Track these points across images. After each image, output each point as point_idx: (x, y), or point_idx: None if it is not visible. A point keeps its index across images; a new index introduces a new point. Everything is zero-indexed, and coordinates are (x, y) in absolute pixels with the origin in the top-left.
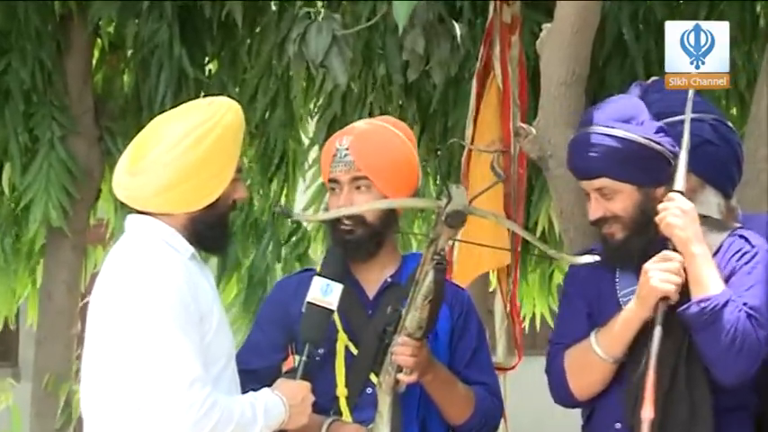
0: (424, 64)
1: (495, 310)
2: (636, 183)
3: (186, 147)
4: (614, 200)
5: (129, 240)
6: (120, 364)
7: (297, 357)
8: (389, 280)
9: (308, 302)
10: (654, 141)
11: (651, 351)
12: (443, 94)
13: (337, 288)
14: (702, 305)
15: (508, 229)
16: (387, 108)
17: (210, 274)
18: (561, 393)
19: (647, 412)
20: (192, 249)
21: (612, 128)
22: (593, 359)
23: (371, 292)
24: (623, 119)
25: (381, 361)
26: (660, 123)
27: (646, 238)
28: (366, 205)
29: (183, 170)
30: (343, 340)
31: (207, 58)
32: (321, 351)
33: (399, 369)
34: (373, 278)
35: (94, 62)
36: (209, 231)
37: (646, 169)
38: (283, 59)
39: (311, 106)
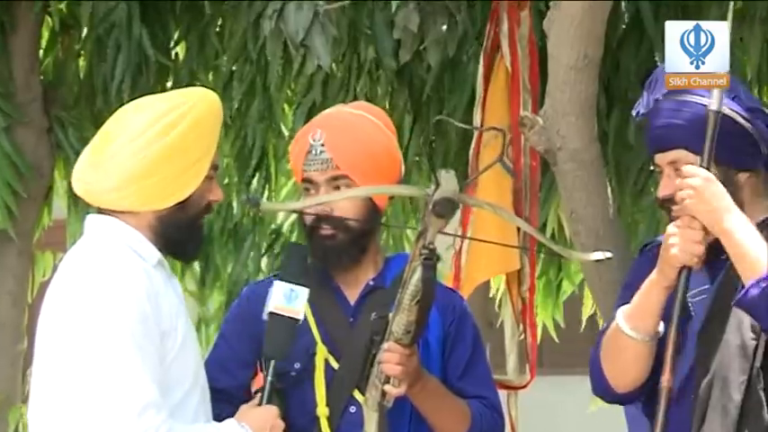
0: (418, 43)
1: (504, 320)
2: (716, 161)
3: (153, 136)
4: None
5: (87, 244)
6: (67, 384)
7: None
8: (372, 283)
9: (271, 312)
10: (745, 118)
11: (673, 319)
12: (438, 79)
13: (303, 293)
14: (763, 285)
15: (518, 228)
16: (374, 95)
17: (179, 285)
18: (599, 383)
19: (666, 380)
20: (158, 255)
21: (704, 96)
22: (622, 339)
23: (352, 297)
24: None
25: (368, 375)
26: (757, 104)
27: None
28: (346, 192)
29: (148, 162)
30: (322, 353)
31: (172, 40)
32: (297, 366)
33: (386, 380)
34: (354, 282)
35: (43, 44)
36: (179, 235)
37: (730, 148)
38: (259, 41)
39: (289, 94)
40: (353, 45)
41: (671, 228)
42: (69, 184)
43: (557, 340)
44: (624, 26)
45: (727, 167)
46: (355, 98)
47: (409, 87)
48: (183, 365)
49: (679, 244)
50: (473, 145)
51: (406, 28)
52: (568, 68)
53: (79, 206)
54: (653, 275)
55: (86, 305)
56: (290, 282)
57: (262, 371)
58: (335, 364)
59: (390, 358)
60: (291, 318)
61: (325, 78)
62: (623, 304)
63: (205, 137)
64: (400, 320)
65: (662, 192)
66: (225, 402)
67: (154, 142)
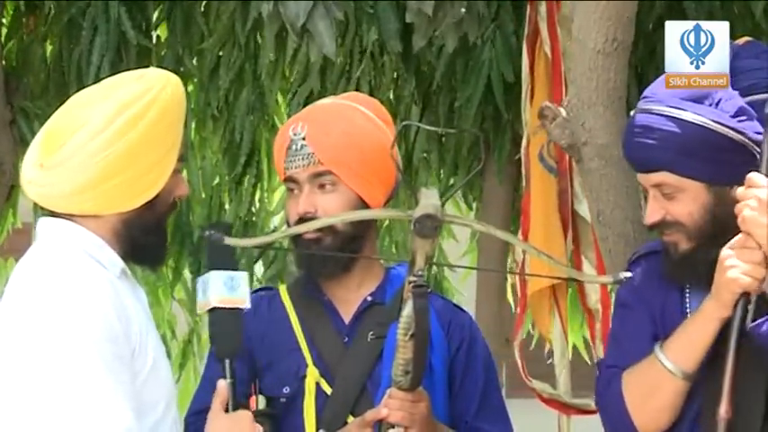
0: (433, 28)
1: (552, 338)
2: (705, 180)
3: (116, 131)
4: (677, 200)
5: (41, 252)
6: (30, 413)
7: (260, 398)
8: (370, 299)
9: (214, 308)
10: (730, 127)
11: (729, 348)
12: (449, 66)
13: (243, 278)
14: None
15: (565, 235)
16: (378, 83)
17: (145, 297)
18: (620, 426)
19: (724, 411)
20: (121, 264)
21: (678, 108)
22: (660, 376)
23: (347, 314)
24: (694, 96)
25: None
26: (742, 103)
27: (718, 251)
28: (319, 221)
29: (113, 161)
30: (313, 376)
31: (152, 20)
32: (287, 390)
33: (390, 426)
34: (349, 297)
35: (6, 26)
36: (146, 238)
37: (718, 163)
38: (248, 23)
39: (283, 82)
40: (355, 27)
41: (725, 250)
42: None
43: (588, 362)
44: (659, 6)
45: (710, 183)
46: (358, 86)
47: (417, 75)
48: (155, 388)
49: (739, 267)
50: (524, 142)
51: (420, 11)
52: (595, 53)
53: (45, 208)
54: (706, 304)
55: (45, 323)
56: (223, 269)
57: (256, 393)
58: (328, 389)
59: (392, 405)
60: (235, 308)
61: (324, 65)
62: (626, 329)
63: (173, 127)
64: (397, 361)
65: (650, 218)
66: None
67: (117, 139)
